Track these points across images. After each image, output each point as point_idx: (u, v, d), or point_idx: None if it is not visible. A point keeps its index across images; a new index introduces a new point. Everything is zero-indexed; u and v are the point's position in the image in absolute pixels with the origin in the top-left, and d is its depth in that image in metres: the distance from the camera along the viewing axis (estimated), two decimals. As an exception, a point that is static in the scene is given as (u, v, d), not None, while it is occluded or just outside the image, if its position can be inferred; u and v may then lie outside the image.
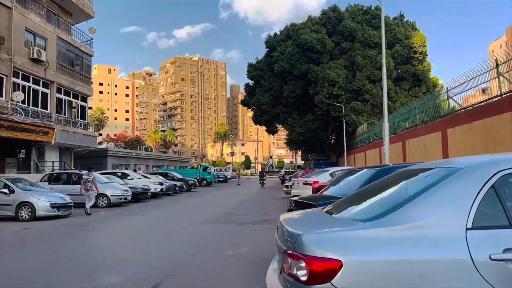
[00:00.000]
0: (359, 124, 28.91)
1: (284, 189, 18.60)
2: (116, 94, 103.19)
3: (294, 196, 12.51)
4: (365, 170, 5.94)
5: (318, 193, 6.57)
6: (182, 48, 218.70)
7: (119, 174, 19.95)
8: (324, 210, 3.07)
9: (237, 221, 10.39)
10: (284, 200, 17.24)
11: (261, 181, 32.51)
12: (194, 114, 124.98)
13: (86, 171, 13.49)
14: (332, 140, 39.69)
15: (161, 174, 26.90)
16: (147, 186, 18.44)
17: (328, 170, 12.90)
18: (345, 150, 30.41)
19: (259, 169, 36.74)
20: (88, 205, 12.47)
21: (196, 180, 28.43)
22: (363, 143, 27.00)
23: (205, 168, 36.39)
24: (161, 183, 20.17)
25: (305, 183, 12.35)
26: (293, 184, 13.39)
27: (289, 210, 5.28)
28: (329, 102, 30.02)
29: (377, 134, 23.18)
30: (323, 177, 12.34)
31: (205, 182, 35.10)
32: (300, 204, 5.14)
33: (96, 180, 13.29)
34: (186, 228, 9.36)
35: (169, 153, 56.92)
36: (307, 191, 11.81)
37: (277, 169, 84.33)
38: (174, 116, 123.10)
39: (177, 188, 22.42)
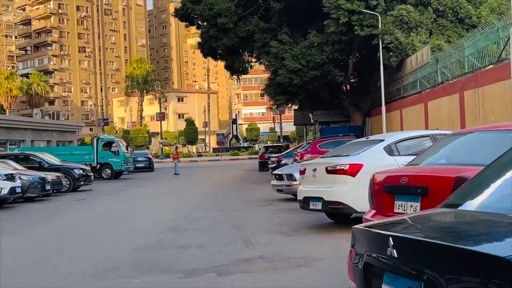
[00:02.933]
0: (411, 50, 27.49)
1: (275, 182, 16.49)
2: None
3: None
4: None
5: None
6: None
7: None
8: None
9: (181, 266, 8.06)
10: (275, 205, 15.38)
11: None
12: (86, 43, 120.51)
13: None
14: (354, 85, 38.12)
15: (16, 157, 25.24)
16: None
17: (382, 140, 10.61)
18: (383, 102, 28.93)
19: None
20: None
21: (89, 169, 27.02)
22: (421, 86, 25.95)
23: (108, 144, 35.11)
24: (11, 177, 17.73)
25: (332, 170, 10.14)
26: (303, 171, 11.03)
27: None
28: (352, 8, 27.99)
29: (454, 65, 21.58)
30: (372, 157, 10.24)
31: (108, 171, 34.10)
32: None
33: None
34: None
35: (36, 115, 53.30)
36: (340, 189, 10.00)
37: (247, 143, 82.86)
38: (47, 47, 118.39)
39: (47, 186, 20.10)
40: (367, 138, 11.74)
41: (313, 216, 11.98)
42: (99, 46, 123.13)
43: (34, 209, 17.37)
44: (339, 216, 11.19)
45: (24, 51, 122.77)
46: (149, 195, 22.29)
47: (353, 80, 37.76)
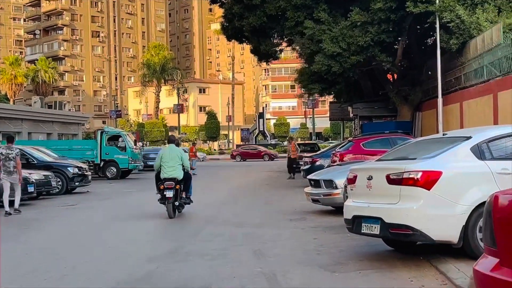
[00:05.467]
0: (475, 30, 25.40)
1: (311, 190, 14.36)
2: None
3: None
4: None
5: None
6: None
7: None
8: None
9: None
10: (310, 220, 13.21)
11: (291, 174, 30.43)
12: (100, 27, 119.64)
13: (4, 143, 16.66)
14: (403, 73, 35.57)
15: (-1, 152, 22.62)
16: None
17: (468, 138, 8.24)
18: (439, 93, 26.66)
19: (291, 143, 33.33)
20: (16, 199, 15.68)
21: (87, 167, 25.43)
22: (489, 74, 23.61)
23: (113, 139, 33.64)
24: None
25: (396, 179, 7.93)
26: (353, 179, 8.66)
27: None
28: (404, -22, 25.80)
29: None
30: (454, 161, 8.10)
31: (113, 170, 32.83)
32: None
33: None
34: None
35: (35, 103, 51.49)
36: (408, 207, 7.75)
37: (274, 140, 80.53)
38: (57, 31, 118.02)
39: (29, 188, 18.43)
40: (444, 134, 9.24)
41: (363, 239, 9.52)
42: (115, 31, 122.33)
43: (3, 219, 15.27)
44: (403, 242, 8.71)
45: (32, 35, 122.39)
46: (154, 201, 20.12)
47: (401, 65, 35.21)
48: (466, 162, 7.88)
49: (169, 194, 13.92)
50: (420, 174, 7.62)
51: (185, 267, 8.50)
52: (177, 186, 14.19)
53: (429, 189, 7.56)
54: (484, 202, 7.78)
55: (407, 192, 7.68)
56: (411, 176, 7.67)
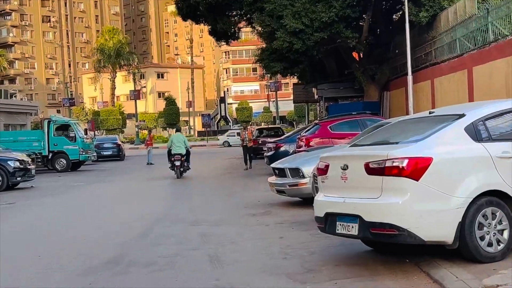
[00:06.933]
0: (446, 1, 24.92)
1: (275, 180, 13.52)
2: None
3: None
4: None
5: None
6: None
7: None
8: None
9: None
10: (275, 214, 11.97)
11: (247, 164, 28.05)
12: (51, 11, 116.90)
13: None
14: (369, 51, 34.71)
15: None
16: None
17: (461, 116, 7.20)
18: (409, 69, 25.67)
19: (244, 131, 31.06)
20: None
21: (30, 160, 23.64)
22: (462, 48, 22.81)
23: (61, 128, 32.26)
24: None
25: (377, 168, 6.79)
26: (324, 169, 7.49)
27: None
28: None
29: None
30: (446, 145, 7.03)
31: (63, 161, 31.53)
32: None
33: None
34: None
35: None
36: (392, 201, 6.61)
37: (237, 125, 79.48)
38: (5, 17, 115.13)
39: None
40: (430, 113, 8.05)
41: (336, 237, 8.25)
42: (66, 15, 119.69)
43: None
44: (384, 242, 7.50)
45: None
46: (103, 196, 18.95)
47: (368, 41, 34.35)
48: (460, 145, 6.76)
49: (178, 163, 22.45)
50: (406, 161, 6.44)
51: (125, 282, 7.19)
52: (182, 159, 22.67)
53: (417, 180, 6.41)
54: (483, 193, 6.84)
55: (391, 183, 6.52)
56: (395, 164, 6.48)
